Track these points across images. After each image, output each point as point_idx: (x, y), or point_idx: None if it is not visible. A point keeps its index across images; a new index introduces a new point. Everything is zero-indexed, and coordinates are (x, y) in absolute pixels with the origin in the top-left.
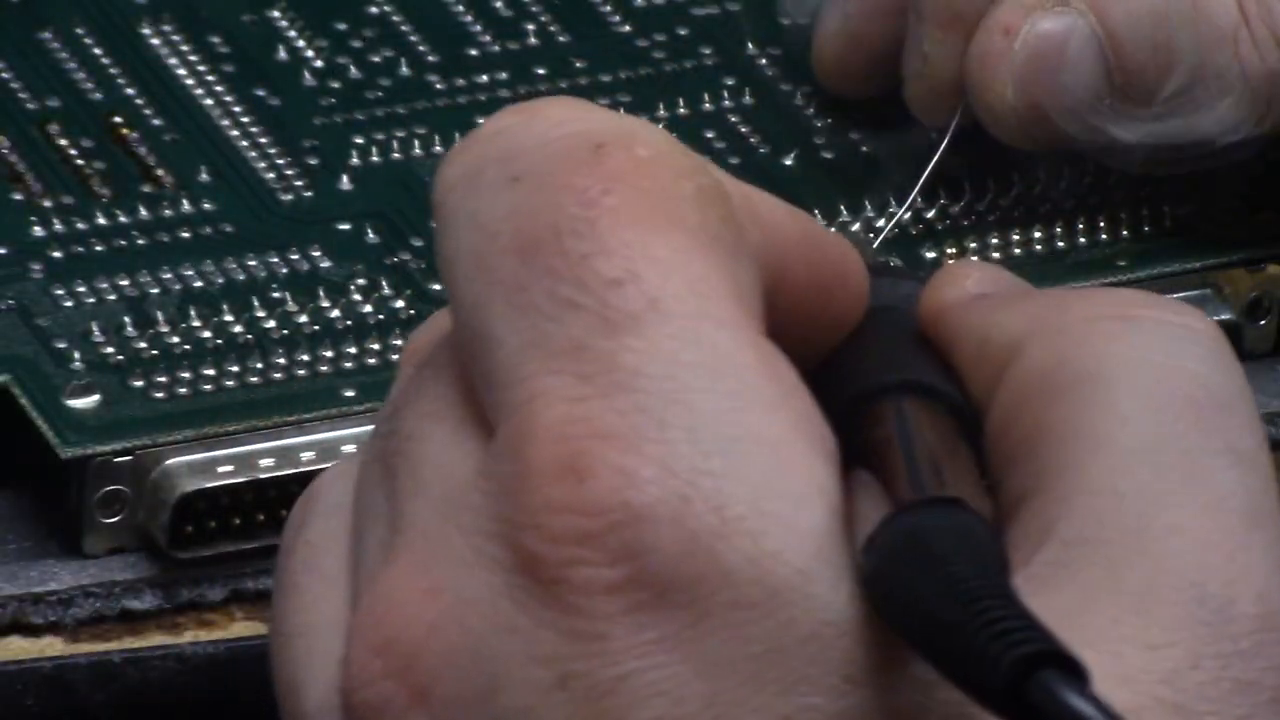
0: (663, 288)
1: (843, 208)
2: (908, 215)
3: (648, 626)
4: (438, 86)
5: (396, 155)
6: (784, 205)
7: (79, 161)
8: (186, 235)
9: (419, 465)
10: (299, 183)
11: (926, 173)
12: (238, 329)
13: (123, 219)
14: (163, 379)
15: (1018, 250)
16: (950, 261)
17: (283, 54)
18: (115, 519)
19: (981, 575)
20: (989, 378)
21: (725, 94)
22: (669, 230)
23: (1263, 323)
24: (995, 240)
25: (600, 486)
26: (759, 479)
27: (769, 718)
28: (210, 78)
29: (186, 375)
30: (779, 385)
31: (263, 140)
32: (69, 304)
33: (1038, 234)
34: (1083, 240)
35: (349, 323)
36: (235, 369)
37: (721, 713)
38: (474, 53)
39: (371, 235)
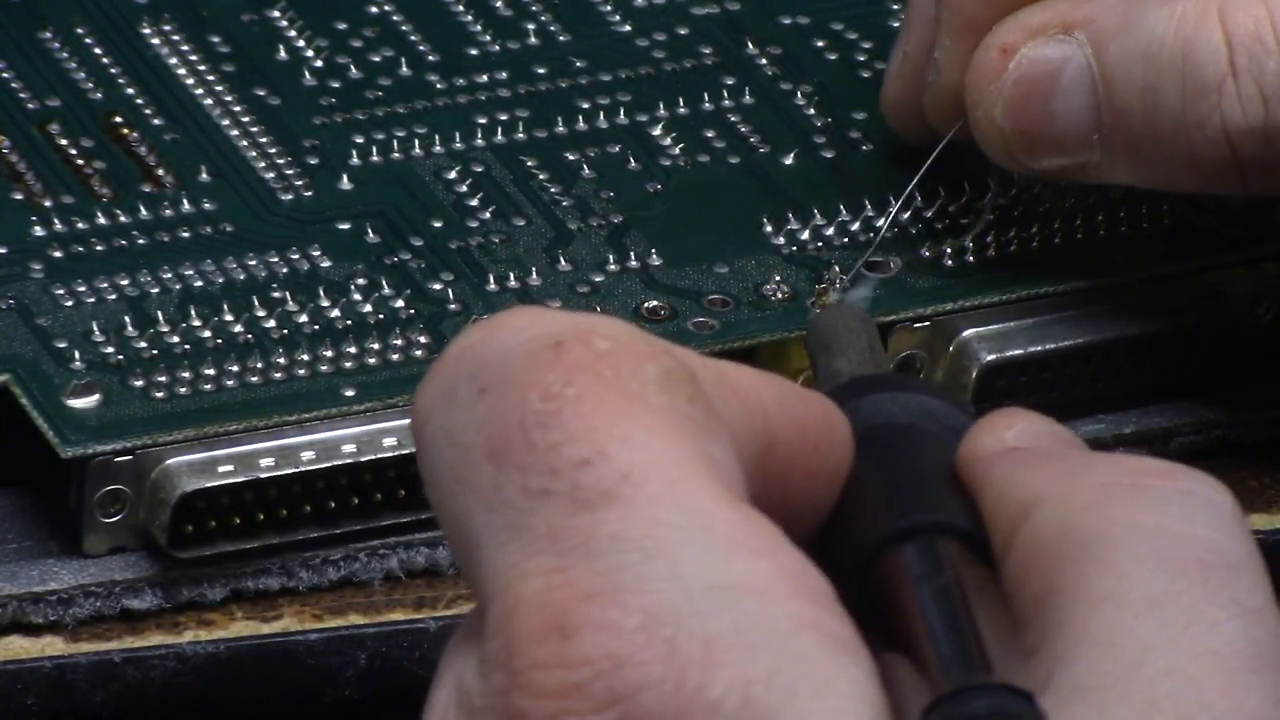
0: (632, 461)
1: (842, 207)
2: (905, 215)
3: None
4: (438, 86)
5: (396, 155)
6: (757, 372)
7: (79, 161)
8: (186, 235)
9: (442, 685)
10: (299, 183)
11: (918, 178)
12: (238, 329)
13: (123, 219)
14: (163, 379)
15: (1017, 250)
16: (1000, 409)
17: (283, 54)
18: (115, 519)
19: None
20: (1003, 536)
21: (725, 94)
22: (634, 411)
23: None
24: (995, 240)
25: (585, 641)
26: (743, 615)
27: None
28: (210, 78)
29: (186, 375)
30: (759, 537)
31: (263, 140)
32: (69, 304)
33: (1038, 234)
34: (1083, 240)
35: (349, 323)
36: (235, 369)
37: None
38: (474, 53)
39: (371, 235)
